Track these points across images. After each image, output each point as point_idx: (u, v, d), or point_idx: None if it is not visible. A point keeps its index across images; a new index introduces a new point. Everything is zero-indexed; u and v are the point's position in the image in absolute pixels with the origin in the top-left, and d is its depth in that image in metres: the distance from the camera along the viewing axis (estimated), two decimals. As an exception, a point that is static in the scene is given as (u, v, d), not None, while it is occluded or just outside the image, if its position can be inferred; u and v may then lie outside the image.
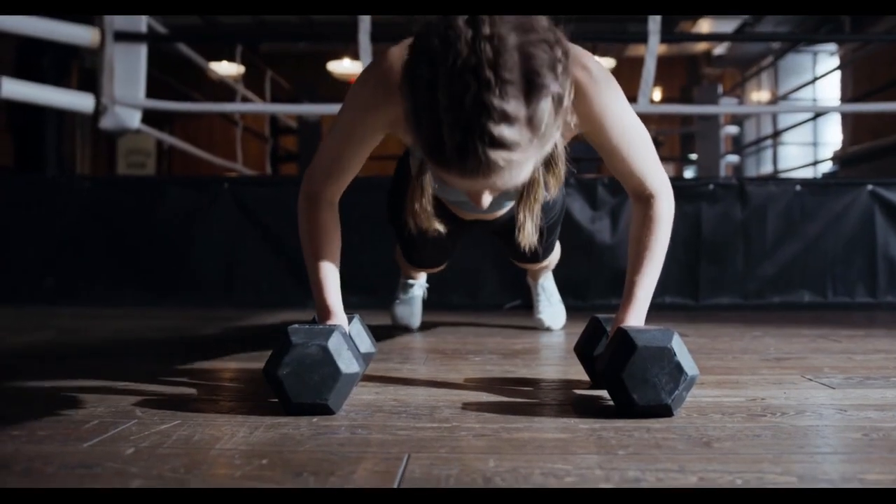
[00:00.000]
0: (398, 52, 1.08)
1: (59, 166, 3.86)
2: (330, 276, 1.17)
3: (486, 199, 0.99)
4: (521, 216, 1.17)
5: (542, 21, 0.91)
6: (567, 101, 0.93)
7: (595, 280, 2.97)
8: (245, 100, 5.49)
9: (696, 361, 1.02)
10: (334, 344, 0.98)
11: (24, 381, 1.25)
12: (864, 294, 3.03)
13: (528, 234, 1.18)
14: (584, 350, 1.24)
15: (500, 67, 0.84)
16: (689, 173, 9.43)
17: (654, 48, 3.44)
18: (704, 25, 8.17)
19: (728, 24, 8.12)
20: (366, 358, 1.25)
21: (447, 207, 1.60)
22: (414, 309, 2.15)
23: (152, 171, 9.23)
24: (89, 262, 3.02)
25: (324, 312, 1.14)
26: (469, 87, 0.84)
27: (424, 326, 2.19)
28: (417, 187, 1.19)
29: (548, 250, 1.92)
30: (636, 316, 1.12)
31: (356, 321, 1.25)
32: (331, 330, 1.00)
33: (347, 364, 0.98)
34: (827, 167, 6.90)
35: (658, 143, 9.32)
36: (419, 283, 2.18)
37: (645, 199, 1.19)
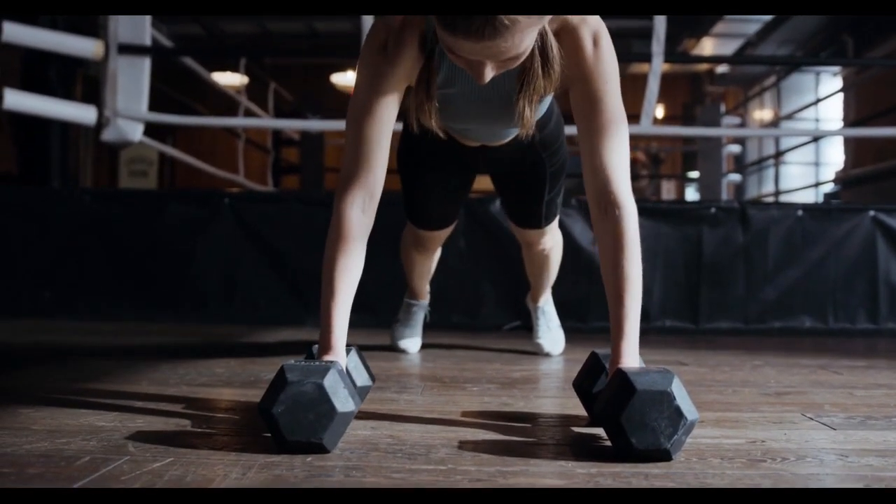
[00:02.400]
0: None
1: (63, 176, 3.86)
2: (341, 311, 1.15)
3: (488, 72, 1.06)
4: (520, 105, 1.20)
5: None
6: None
7: (595, 302, 2.96)
8: (248, 112, 5.49)
9: (695, 395, 1.01)
10: (330, 382, 0.97)
11: (18, 405, 1.24)
12: (865, 320, 3.02)
13: (527, 120, 1.22)
14: (582, 386, 1.23)
15: None
16: (690, 191, 9.44)
17: (657, 69, 3.44)
18: (707, 45, 8.19)
19: (730, 45, 8.14)
20: (363, 392, 1.24)
21: (450, 140, 1.57)
22: (414, 332, 2.14)
23: (154, 179, 9.24)
24: (89, 275, 3.01)
25: (325, 346, 1.13)
26: None
27: (423, 347, 2.18)
28: (421, 82, 1.22)
29: (550, 209, 1.86)
30: (630, 351, 1.11)
31: (353, 354, 1.24)
32: (327, 367, 0.98)
33: (343, 403, 0.97)
34: (829, 188, 6.90)
35: (659, 161, 9.37)
36: (421, 306, 2.17)
37: (609, 210, 1.17)
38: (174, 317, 2.91)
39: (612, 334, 1.13)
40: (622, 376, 1.00)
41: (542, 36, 1.13)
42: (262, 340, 2.39)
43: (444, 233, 1.95)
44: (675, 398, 0.97)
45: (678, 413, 0.96)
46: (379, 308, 2.80)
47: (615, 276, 1.15)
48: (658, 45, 3.40)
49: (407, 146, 1.76)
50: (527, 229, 1.92)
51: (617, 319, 1.13)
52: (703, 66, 9.75)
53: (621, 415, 0.96)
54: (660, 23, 3.38)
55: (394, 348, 2.15)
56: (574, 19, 1.18)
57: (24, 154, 4.05)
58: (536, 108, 1.23)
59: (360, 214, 1.20)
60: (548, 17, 1.05)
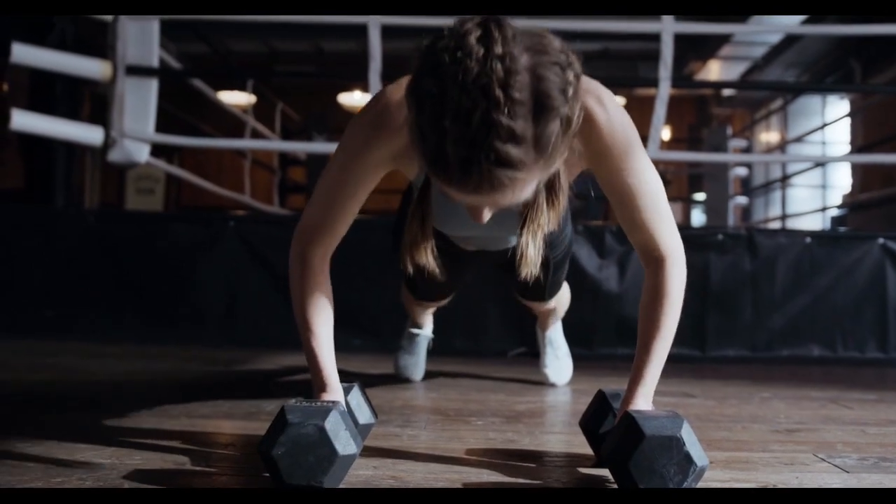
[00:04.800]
0: (395, 90, 1.09)
1: (67, 194, 3.86)
2: (325, 346, 1.14)
3: (486, 214, 0.99)
4: (523, 243, 1.14)
5: (555, 42, 0.90)
6: (575, 125, 0.92)
7: (602, 329, 2.93)
8: (255, 132, 5.50)
9: (703, 432, 0.99)
10: (332, 424, 0.95)
11: (14, 439, 1.22)
12: (874, 349, 2.99)
13: (531, 262, 1.15)
14: (589, 426, 1.21)
15: (510, 87, 0.83)
16: (696, 213, 9.42)
17: (664, 95, 3.43)
18: (714, 67, 8.20)
19: (737, 67, 8.15)
20: (365, 430, 1.21)
21: (449, 240, 1.56)
22: (418, 360, 2.12)
23: (161, 197, 9.25)
24: (91, 295, 3.00)
25: (320, 385, 1.11)
26: (478, 105, 0.83)
27: (427, 376, 2.16)
28: (415, 219, 1.16)
29: (553, 288, 1.86)
30: (644, 397, 1.09)
31: (356, 391, 1.22)
32: (328, 409, 0.96)
33: (345, 445, 0.95)
34: (836, 212, 6.87)
35: (666, 182, 9.32)
36: (424, 334, 2.14)
37: (655, 262, 1.15)
38: (176, 339, 2.88)
39: (631, 376, 1.12)
40: (631, 420, 0.97)
41: None
42: (265, 367, 2.36)
43: (444, 301, 1.98)
44: (684, 444, 0.94)
45: (688, 459, 0.94)
46: (382, 331, 2.78)
47: (649, 321, 1.13)
48: (665, 70, 3.39)
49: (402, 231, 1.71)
50: (531, 302, 1.94)
51: (640, 364, 1.12)
52: (710, 89, 9.76)
53: (629, 461, 0.94)
54: (667, 47, 3.37)
55: (397, 377, 2.12)
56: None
57: (29, 170, 4.07)
58: (540, 245, 1.14)
59: (321, 259, 1.19)
60: (558, 164, 0.94)
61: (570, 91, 0.88)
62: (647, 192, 1.11)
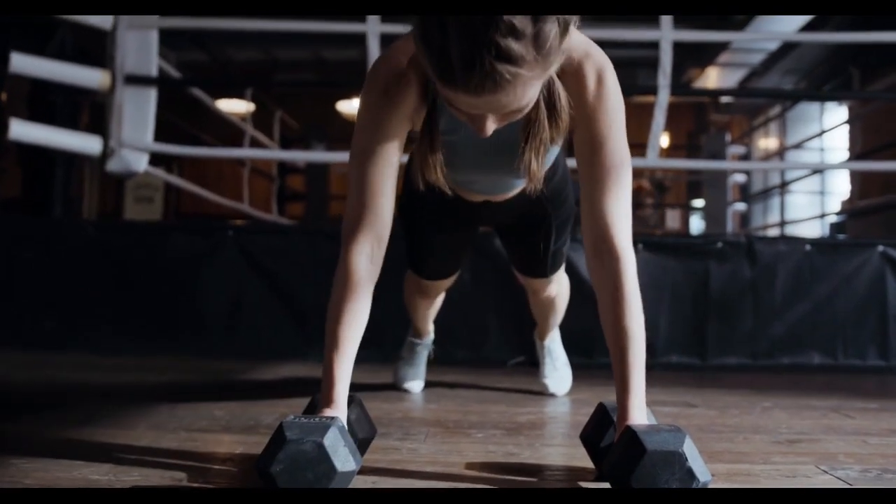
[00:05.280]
0: (388, 53, 1.16)
1: (65, 203, 3.86)
2: (344, 363, 1.12)
3: (490, 126, 1.01)
4: (526, 157, 1.14)
5: None
6: (573, 28, 0.96)
7: (601, 337, 2.90)
8: (254, 141, 5.50)
9: (705, 443, 0.98)
10: (331, 440, 0.94)
11: (10, 455, 1.21)
12: (875, 357, 2.98)
13: (535, 175, 1.16)
14: (590, 439, 1.20)
15: None
16: (695, 220, 9.42)
17: (663, 102, 3.43)
18: (712, 74, 8.21)
19: (735, 74, 8.16)
20: (364, 444, 1.20)
21: (454, 196, 1.54)
22: (418, 371, 2.11)
23: (160, 205, 9.25)
24: (90, 306, 2.99)
25: (327, 399, 1.10)
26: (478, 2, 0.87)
27: (427, 386, 2.15)
28: (424, 138, 1.17)
29: (556, 260, 1.83)
30: (638, 407, 1.07)
31: (355, 405, 1.21)
32: (327, 425, 0.96)
33: (344, 462, 0.94)
34: (835, 218, 6.87)
35: (664, 189, 9.36)
36: (424, 344, 2.14)
37: (608, 260, 1.13)
38: (176, 350, 2.87)
39: (618, 390, 1.10)
40: (632, 435, 0.97)
41: (549, 84, 1.09)
42: (264, 377, 2.36)
43: (448, 282, 1.93)
44: (687, 459, 0.94)
45: (690, 474, 0.93)
46: (383, 342, 2.76)
47: (616, 330, 1.12)
48: (664, 78, 3.39)
49: (408, 198, 1.71)
50: (532, 278, 1.90)
51: (621, 375, 1.11)
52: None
53: (631, 476, 0.93)
54: (666, 55, 3.37)
55: (397, 387, 2.11)
56: (577, 54, 1.12)
57: (28, 179, 4.07)
58: (543, 161, 1.17)
59: (367, 263, 1.18)
60: (555, 67, 0.99)
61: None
62: (617, 181, 1.14)
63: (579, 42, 1.13)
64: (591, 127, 1.14)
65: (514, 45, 0.89)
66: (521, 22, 0.88)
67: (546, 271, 1.84)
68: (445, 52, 0.91)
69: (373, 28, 3.23)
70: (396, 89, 1.15)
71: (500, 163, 1.30)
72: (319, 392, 1.13)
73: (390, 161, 1.18)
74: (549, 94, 1.10)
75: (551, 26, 0.91)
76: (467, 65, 0.90)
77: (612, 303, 1.13)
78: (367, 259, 1.18)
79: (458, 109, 1.00)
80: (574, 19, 0.96)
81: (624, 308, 1.12)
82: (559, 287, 1.95)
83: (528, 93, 0.97)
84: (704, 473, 0.95)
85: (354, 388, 1.93)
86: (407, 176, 1.64)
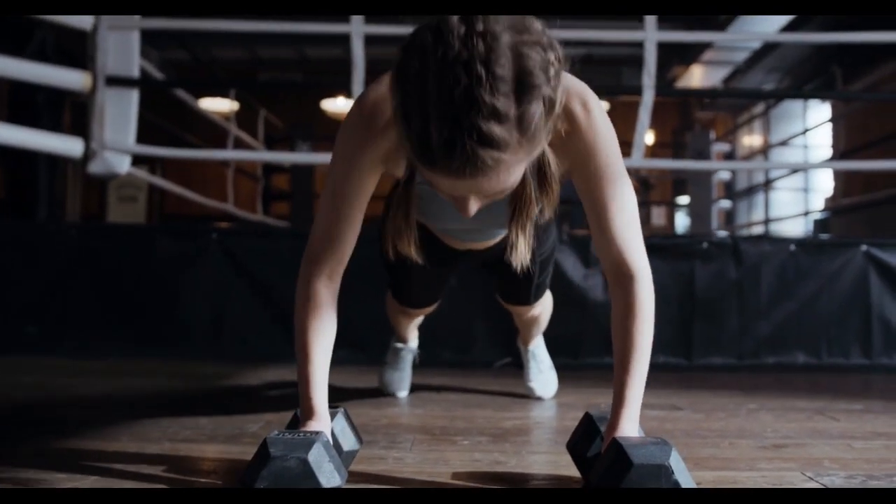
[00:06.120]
0: (377, 87, 1.09)
1: (50, 204, 3.82)
2: (319, 374, 1.13)
3: (473, 206, 0.97)
4: (513, 234, 1.11)
5: (537, 24, 0.90)
6: (558, 107, 0.91)
7: (588, 338, 2.93)
8: (238, 141, 5.47)
9: (691, 449, 0.98)
10: (315, 457, 0.93)
11: (-10, 470, 1.20)
12: (859, 355, 3.00)
13: (521, 253, 1.11)
14: (576, 449, 1.19)
15: (491, 63, 0.83)
16: (680, 217, 9.46)
17: (648, 102, 3.44)
18: (696, 72, 8.25)
19: (719, 72, 8.20)
20: (350, 456, 1.19)
21: (435, 237, 1.55)
22: (403, 375, 2.11)
23: (144, 205, 9.19)
24: (75, 310, 2.96)
25: (307, 412, 1.09)
26: (459, 81, 0.82)
27: (413, 389, 2.15)
28: (399, 209, 1.12)
29: (539, 291, 1.84)
30: (630, 420, 1.08)
31: (340, 417, 1.20)
32: (312, 440, 0.95)
33: (328, 478, 0.93)
34: (819, 215, 6.92)
35: (649, 186, 9.39)
36: (408, 348, 2.13)
37: (624, 281, 1.14)
38: (161, 353, 2.85)
39: (614, 399, 1.11)
40: (619, 448, 0.96)
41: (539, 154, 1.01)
42: (249, 382, 2.34)
43: (430, 308, 1.94)
44: (673, 472, 0.94)
45: (676, 487, 0.93)
46: (367, 344, 2.76)
47: (624, 341, 1.12)
48: (649, 79, 3.40)
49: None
50: (514, 306, 1.91)
51: (620, 386, 1.11)
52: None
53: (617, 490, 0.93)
54: (650, 55, 3.38)
55: (382, 392, 2.10)
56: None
57: (10, 180, 4.02)
58: (531, 237, 1.12)
59: (327, 282, 1.18)
60: (541, 148, 0.93)
61: (552, 71, 0.88)
62: (622, 205, 1.11)
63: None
64: (587, 160, 1.10)
65: (497, 129, 0.84)
66: (504, 104, 0.84)
67: (530, 300, 1.85)
68: (425, 132, 0.86)
69: (357, 28, 3.21)
70: (375, 130, 1.09)
71: (483, 216, 1.19)
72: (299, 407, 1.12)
73: (363, 196, 1.16)
74: (538, 163, 1.04)
75: (536, 107, 0.87)
76: (448, 149, 0.85)
77: (625, 316, 1.13)
78: (327, 279, 1.18)
79: (440, 189, 0.95)
80: (560, 98, 0.91)
81: (635, 322, 1.12)
82: (542, 307, 1.97)
83: (513, 175, 0.92)
84: (690, 485, 0.95)
85: (340, 391, 1.92)
86: (386, 207, 1.63)
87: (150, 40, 3.97)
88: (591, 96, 1.09)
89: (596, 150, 1.09)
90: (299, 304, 1.17)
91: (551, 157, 1.05)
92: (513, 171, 0.91)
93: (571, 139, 1.07)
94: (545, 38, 0.89)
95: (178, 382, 2.33)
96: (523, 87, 0.85)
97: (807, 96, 7.93)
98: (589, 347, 2.91)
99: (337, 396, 2.06)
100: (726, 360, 2.97)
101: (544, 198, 1.08)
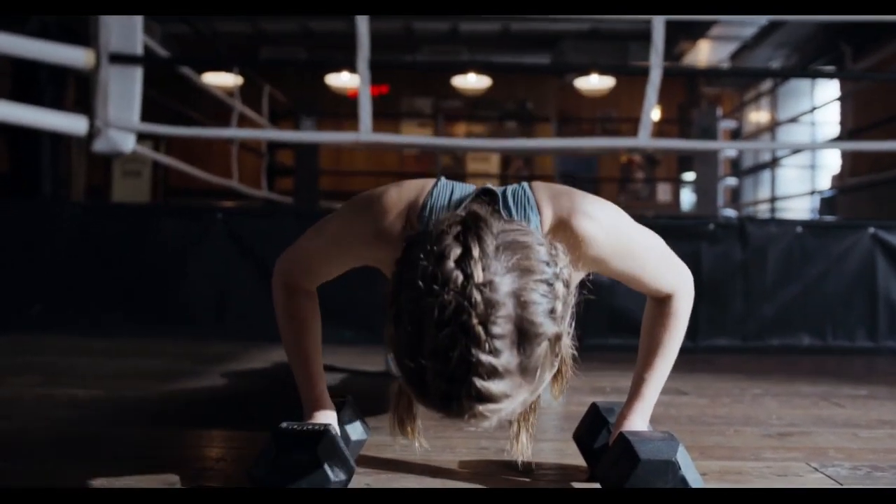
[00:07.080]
0: (395, 201, 1.03)
1: (54, 183, 3.81)
2: (314, 366, 1.14)
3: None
4: (515, 426, 1.08)
5: (541, 252, 0.85)
6: (567, 338, 0.87)
7: (592, 319, 2.93)
8: (242, 118, 5.44)
9: (696, 437, 0.98)
10: (323, 450, 0.93)
11: (13, 454, 1.21)
12: (864, 338, 3.00)
13: (523, 446, 1.08)
14: (583, 440, 1.20)
15: (490, 322, 0.78)
16: (686, 194, 9.42)
17: (655, 81, 3.40)
18: (704, 47, 8.16)
19: (727, 47, 8.11)
20: (358, 446, 1.20)
21: None
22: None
23: (148, 180, 9.18)
24: (79, 289, 2.97)
25: (311, 404, 1.10)
26: (457, 342, 0.78)
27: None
28: (401, 398, 1.04)
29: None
30: (641, 416, 1.08)
31: (348, 407, 1.21)
32: (320, 433, 0.95)
33: (336, 471, 0.93)
34: (826, 193, 6.88)
35: (655, 162, 9.35)
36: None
37: (663, 298, 1.14)
38: (166, 332, 2.86)
39: (630, 392, 1.12)
40: (626, 443, 0.97)
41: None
42: (254, 365, 2.35)
43: None
44: (680, 468, 0.94)
45: (683, 483, 0.93)
46: (373, 324, 2.77)
47: (652, 338, 1.13)
48: (657, 57, 3.36)
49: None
50: None
51: (639, 380, 1.12)
52: (700, 66, 9.71)
53: (624, 485, 0.93)
54: (658, 34, 3.34)
55: (389, 374, 2.11)
56: (563, 215, 1.01)
57: (15, 157, 4.01)
58: (533, 430, 1.08)
59: (304, 287, 1.20)
60: (550, 374, 0.86)
61: (559, 308, 0.83)
62: (649, 264, 1.09)
63: (559, 206, 1.02)
64: (609, 264, 1.06)
65: (495, 386, 0.79)
66: (505, 360, 0.79)
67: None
68: (421, 378, 0.82)
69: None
70: (374, 240, 1.05)
71: None
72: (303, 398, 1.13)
73: (342, 269, 1.16)
74: None
75: (539, 350, 0.81)
76: (445, 402, 0.81)
77: (657, 315, 1.13)
78: (305, 288, 1.19)
79: None
80: (570, 320, 0.86)
81: (668, 322, 1.12)
82: None
83: (515, 411, 0.86)
84: (697, 481, 0.95)
85: (347, 374, 1.92)
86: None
87: (153, 16, 3.93)
88: (590, 205, 1.03)
89: (615, 253, 1.05)
90: (282, 308, 1.18)
91: (567, 336, 0.90)
92: (515, 408, 0.85)
93: (589, 253, 1.02)
94: (550, 268, 0.84)
95: (183, 362, 2.34)
96: (525, 337, 0.80)
97: (813, 75, 7.85)
98: (593, 329, 2.91)
99: (344, 380, 2.07)
100: (731, 341, 2.97)
101: (555, 383, 1.01)
